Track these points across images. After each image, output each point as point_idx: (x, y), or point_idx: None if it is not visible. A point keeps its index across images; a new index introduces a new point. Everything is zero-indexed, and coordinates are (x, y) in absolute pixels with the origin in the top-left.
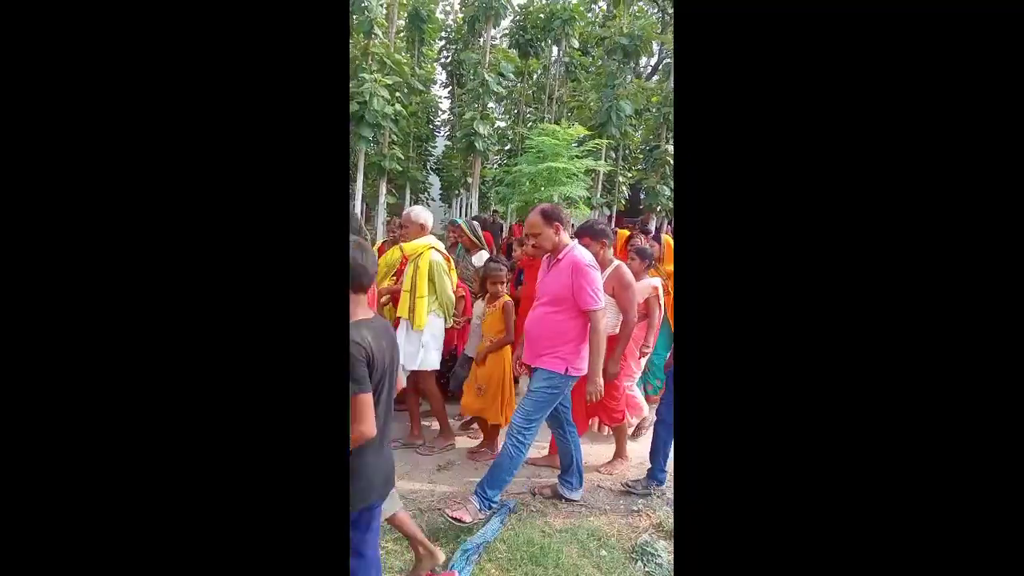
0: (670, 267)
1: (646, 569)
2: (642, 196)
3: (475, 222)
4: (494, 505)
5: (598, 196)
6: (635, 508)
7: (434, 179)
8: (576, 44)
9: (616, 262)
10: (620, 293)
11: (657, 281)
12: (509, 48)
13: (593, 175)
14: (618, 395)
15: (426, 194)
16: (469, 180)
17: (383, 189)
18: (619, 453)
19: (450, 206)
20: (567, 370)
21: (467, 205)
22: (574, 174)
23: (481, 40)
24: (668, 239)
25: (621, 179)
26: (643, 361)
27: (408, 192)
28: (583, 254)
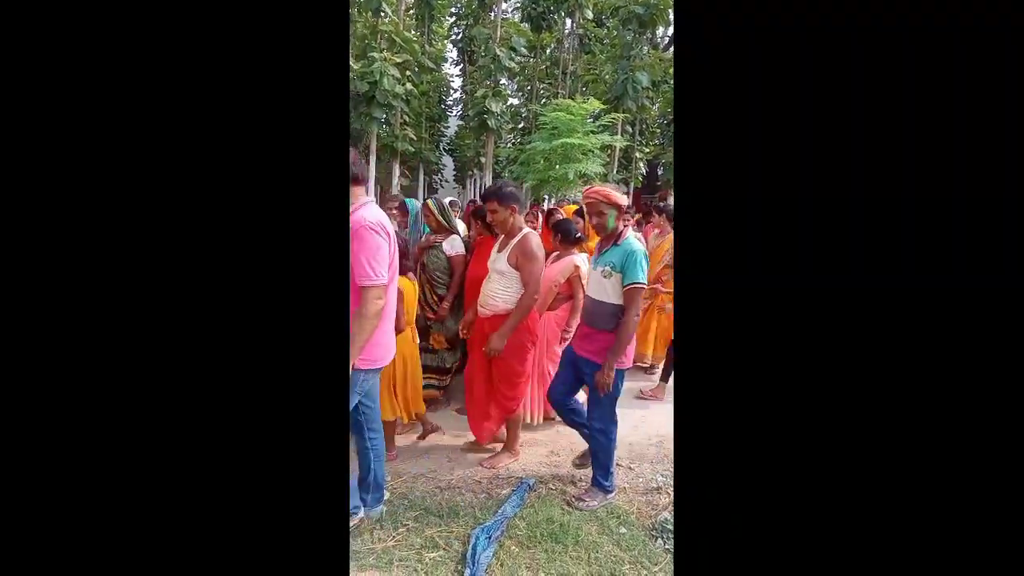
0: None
1: (666, 546)
2: (659, 172)
3: (446, 202)
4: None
5: (614, 173)
6: (655, 485)
7: (447, 160)
8: (590, 15)
9: (525, 230)
10: (523, 264)
11: (581, 258)
12: (521, 22)
13: (609, 151)
14: (516, 380)
15: (440, 175)
16: (483, 160)
17: (396, 171)
18: (507, 446)
19: (464, 187)
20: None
21: (481, 185)
22: (590, 150)
23: (492, 15)
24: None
25: (638, 155)
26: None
27: (422, 174)
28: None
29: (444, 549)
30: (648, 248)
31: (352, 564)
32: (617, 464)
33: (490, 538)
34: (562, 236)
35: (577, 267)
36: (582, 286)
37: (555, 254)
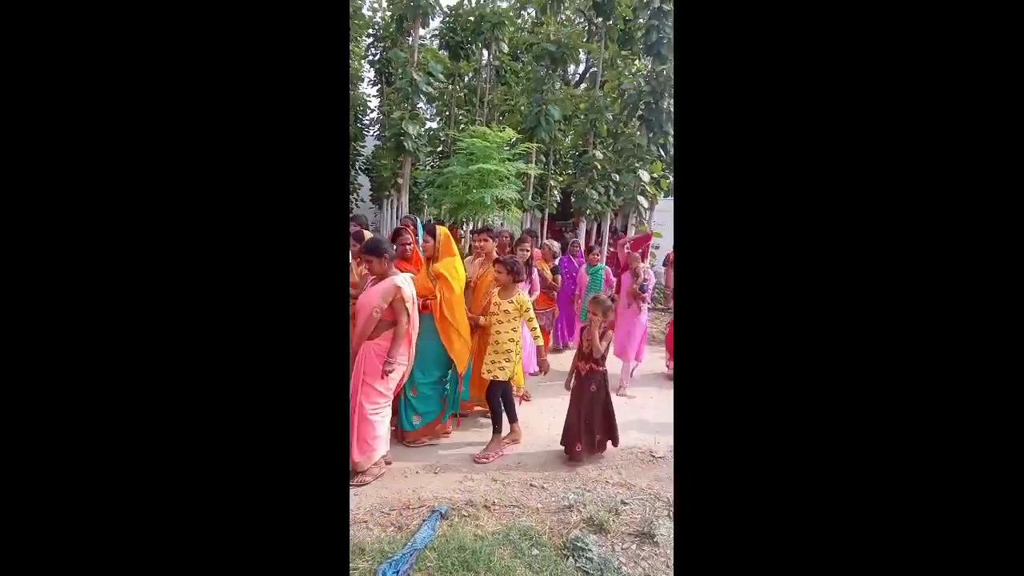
0: (439, 265)
1: (577, 564)
2: (572, 200)
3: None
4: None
5: (530, 199)
6: (566, 504)
7: (364, 180)
8: (506, 48)
9: (390, 277)
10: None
11: (402, 279)
12: (439, 49)
13: (524, 178)
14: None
15: (356, 195)
16: (400, 181)
17: None
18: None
19: (380, 207)
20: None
21: (398, 206)
22: (506, 176)
23: (410, 39)
24: (444, 230)
25: (552, 183)
26: (393, 379)
27: None
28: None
29: None
30: (470, 276)
31: None
32: (530, 484)
33: (398, 572)
34: (370, 254)
35: (399, 288)
36: (406, 310)
37: (372, 277)
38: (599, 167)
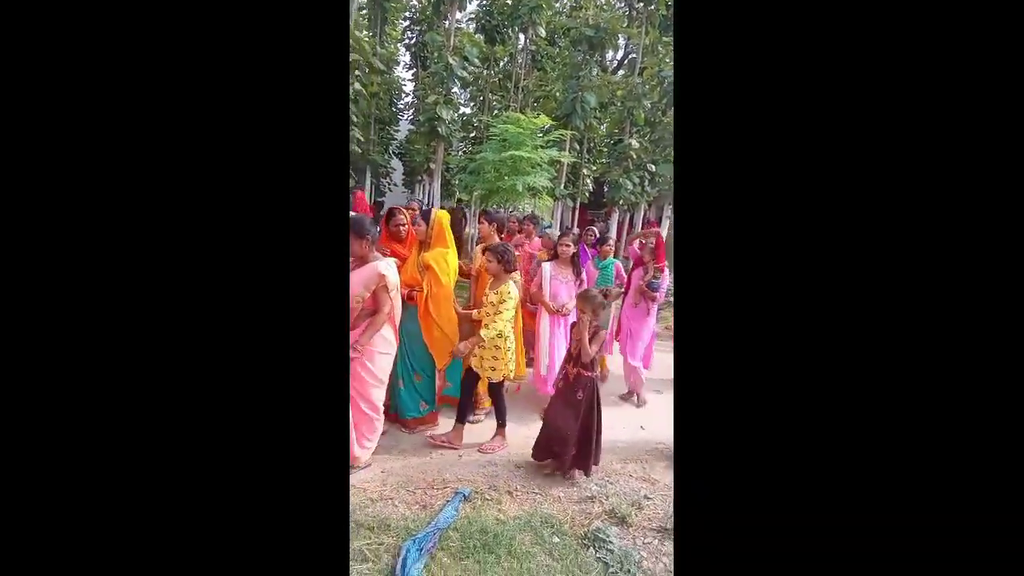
0: (429, 256)
1: (597, 555)
2: (605, 189)
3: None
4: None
5: (561, 187)
6: (588, 495)
7: (397, 164)
8: (543, 33)
9: (372, 263)
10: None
11: (385, 264)
12: (475, 33)
13: (557, 166)
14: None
15: (388, 179)
16: (432, 167)
17: None
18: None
19: (413, 192)
20: None
21: (430, 191)
22: (538, 164)
23: (446, 23)
24: (441, 214)
25: (585, 171)
26: (374, 367)
27: (368, 176)
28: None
29: (372, 561)
30: (475, 265)
31: None
32: (552, 474)
33: (421, 550)
34: (357, 236)
35: (383, 276)
36: (390, 299)
37: (353, 261)
38: (634, 156)
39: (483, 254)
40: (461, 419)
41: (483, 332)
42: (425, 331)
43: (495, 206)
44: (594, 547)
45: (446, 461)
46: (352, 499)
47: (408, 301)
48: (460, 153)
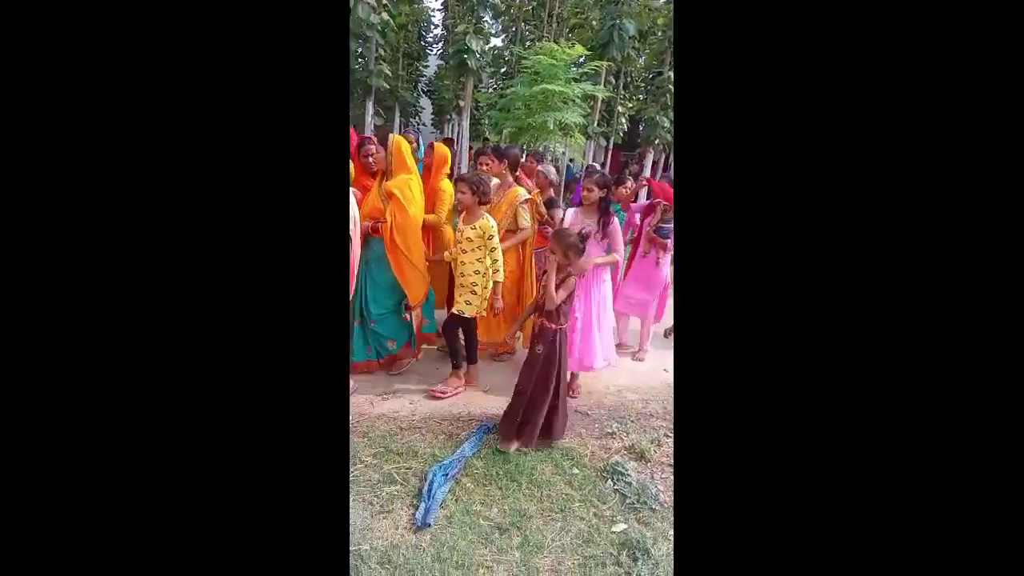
0: (391, 184)
1: (615, 487)
2: (641, 129)
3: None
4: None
5: (595, 125)
6: (609, 431)
7: (425, 102)
8: None
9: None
10: None
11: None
12: None
13: (591, 102)
14: None
15: (416, 118)
16: (461, 104)
17: (370, 110)
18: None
19: (442, 131)
20: None
21: (459, 131)
22: (571, 99)
23: None
24: (397, 139)
25: (620, 108)
26: None
27: (397, 114)
28: None
29: (401, 484)
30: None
31: None
32: (575, 411)
33: (447, 476)
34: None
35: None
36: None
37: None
38: (673, 92)
39: (456, 185)
40: (457, 364)
41: (461, 270)
42: (395, 265)
43: (525, 144)
44: (612, 479)
45: (472, 397)
46: (383, 427)
47: (373, 234)
48: (490, 90)
